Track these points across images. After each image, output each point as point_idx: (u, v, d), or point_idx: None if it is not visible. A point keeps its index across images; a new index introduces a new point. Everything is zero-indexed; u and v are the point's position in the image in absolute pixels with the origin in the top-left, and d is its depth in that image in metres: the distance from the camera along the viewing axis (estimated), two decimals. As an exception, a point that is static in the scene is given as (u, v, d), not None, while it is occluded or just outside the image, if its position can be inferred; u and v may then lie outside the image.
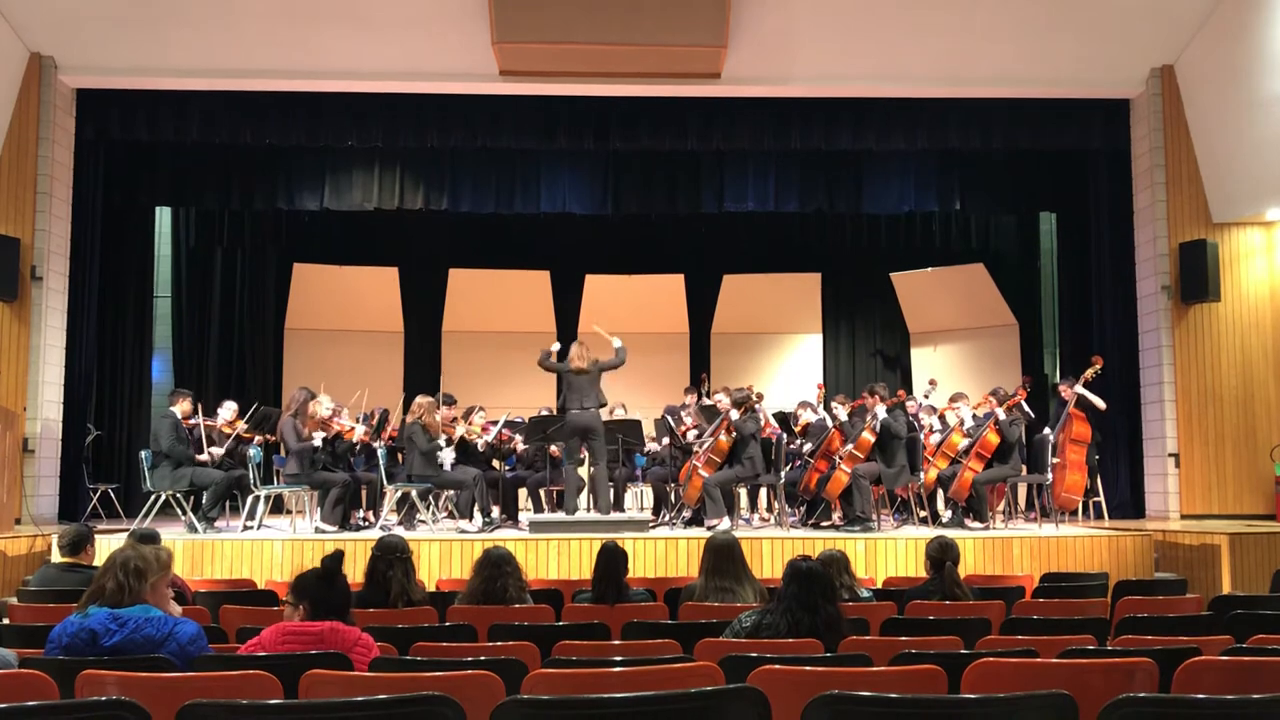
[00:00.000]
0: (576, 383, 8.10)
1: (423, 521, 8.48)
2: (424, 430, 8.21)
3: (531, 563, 7.10)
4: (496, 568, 4.69)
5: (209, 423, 8.61)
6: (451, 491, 8.88)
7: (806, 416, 9.47)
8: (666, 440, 9.30)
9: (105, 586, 3.33)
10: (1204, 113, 9.41)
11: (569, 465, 8.23)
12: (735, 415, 8.41)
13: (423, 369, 12.46)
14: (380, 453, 8.66)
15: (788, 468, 9.20)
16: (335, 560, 3.47)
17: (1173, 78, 9.57)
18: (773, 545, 7.45)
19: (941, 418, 9.31)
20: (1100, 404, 8.96)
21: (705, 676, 2.96)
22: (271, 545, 7.35)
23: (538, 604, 4.68)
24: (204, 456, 8.24)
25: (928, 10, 9.22)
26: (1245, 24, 8.97)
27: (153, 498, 8.08)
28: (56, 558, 5.98)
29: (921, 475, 8.68)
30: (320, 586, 3.44)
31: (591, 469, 8.18)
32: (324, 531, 7.89)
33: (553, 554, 7.30)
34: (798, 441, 9.40)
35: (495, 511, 8.92)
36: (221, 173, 10.62)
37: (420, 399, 8.41)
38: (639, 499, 10.45)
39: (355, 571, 6.59)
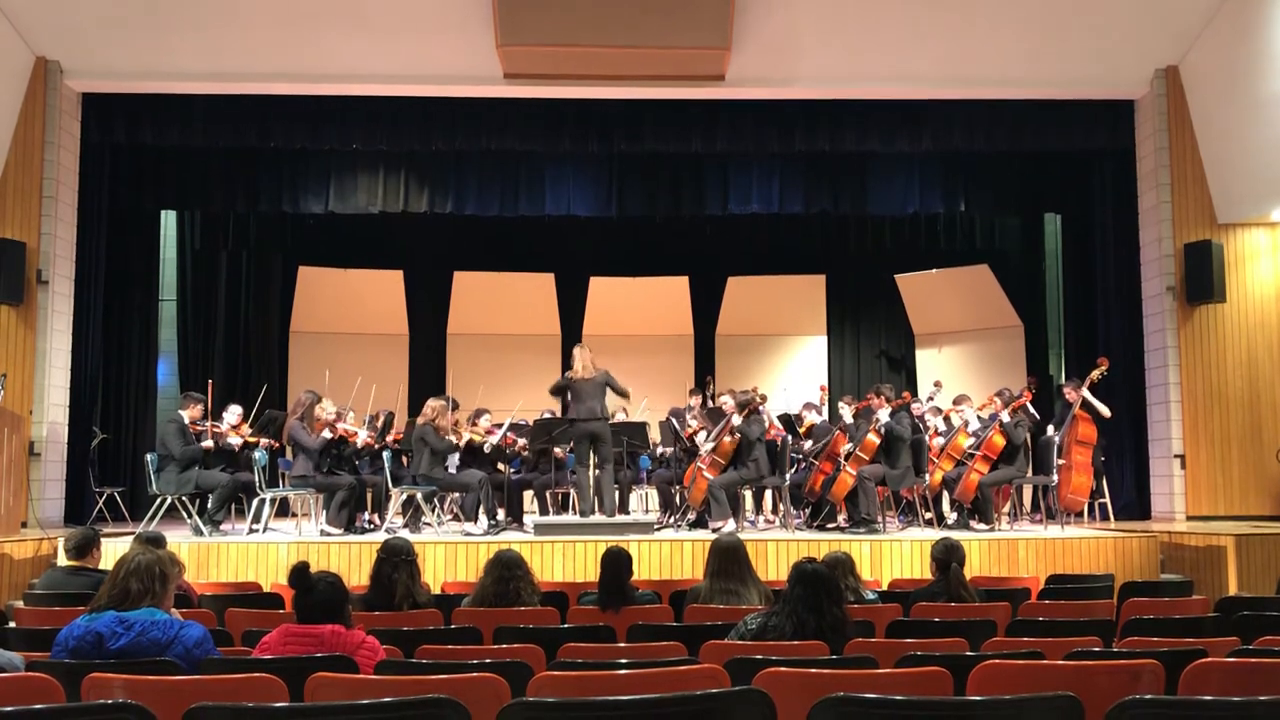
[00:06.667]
0: (583, 390, 8.10)
1: (428, 524, 8.49)
2: (436, 432, 8.23)
3: (537, 565, 7.04)
4: (509, 569, 4.70)
5: (215, 426, 8.62)
6: (457, 494, 8.89)
7: (811, 418, 9.46)
8: (672, 439, 9.29)
9: (130, 589, 3.35)
10: (1209, 113, 9.39)
11: (580, 468, 8.21)
12: (739, 418, 8.40)
13: (428, 372, 12.45)
14: (385, 455, 8.67)
15: (792, 470, 9.19)
16: (297, 573, 3.50)
17: (1177, 78, 9.54)
18: (778, 547, 7.45)
19: (946, 419, 9.30)
20: (1105, 411, 8.92)
21: (710, 679, 2.96)
22: (277, 548, 7.37)
23: (544, 606, 4.69)
24: (207, 443, 8.27)
25: (931, 11, 9.21)
26: (1250, 24, 8.95)
27: (158, 501, 8.10)
28: (63, 561, 5.99)
29: (927, 477, 8.67)
30: (298, 597, 3.48)
31: (597, 472, 8.18)
32: (329, 534, 7.91)
33: (558, 556, 7.30)
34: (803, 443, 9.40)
35: (500, 514, 8.94)
36: (226, 176, 10.61)
37: (432, 401, 8.42)
38: (644, 501, 10.45)
39: (360, 574, 6.62)
